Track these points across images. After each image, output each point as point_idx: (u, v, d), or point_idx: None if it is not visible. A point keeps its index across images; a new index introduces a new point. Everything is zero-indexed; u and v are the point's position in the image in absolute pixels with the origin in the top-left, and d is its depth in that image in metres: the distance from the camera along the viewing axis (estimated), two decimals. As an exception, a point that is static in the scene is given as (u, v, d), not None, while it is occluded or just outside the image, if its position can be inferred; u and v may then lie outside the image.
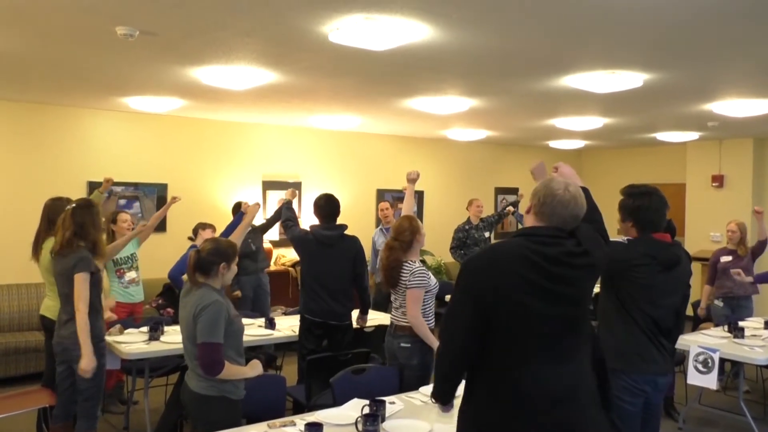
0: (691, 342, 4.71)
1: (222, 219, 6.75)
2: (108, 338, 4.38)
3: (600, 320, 3.19)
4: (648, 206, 3.08)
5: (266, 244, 7.82)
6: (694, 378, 4.60)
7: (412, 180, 4.63)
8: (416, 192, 9.79)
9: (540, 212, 2.19)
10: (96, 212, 3.81)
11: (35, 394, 4.30)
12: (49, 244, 4.23)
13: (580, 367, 2.18)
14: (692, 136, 8.80)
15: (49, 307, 4.23)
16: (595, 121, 7.46)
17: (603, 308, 3.15)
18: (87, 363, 3.55)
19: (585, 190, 2.50)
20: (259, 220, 7.04)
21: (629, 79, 4.86)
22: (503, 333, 2.10)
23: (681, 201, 9.77)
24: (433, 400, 2.36)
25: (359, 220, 8.19)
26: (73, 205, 3.80)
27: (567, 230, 2.20)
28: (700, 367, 4.59)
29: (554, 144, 10.36)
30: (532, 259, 2.09)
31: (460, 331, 2.15)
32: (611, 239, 3.07)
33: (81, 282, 3.60)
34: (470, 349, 2.14)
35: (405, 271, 3.85)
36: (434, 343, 3.79)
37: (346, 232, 4.66)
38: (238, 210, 6.37)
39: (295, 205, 8.82)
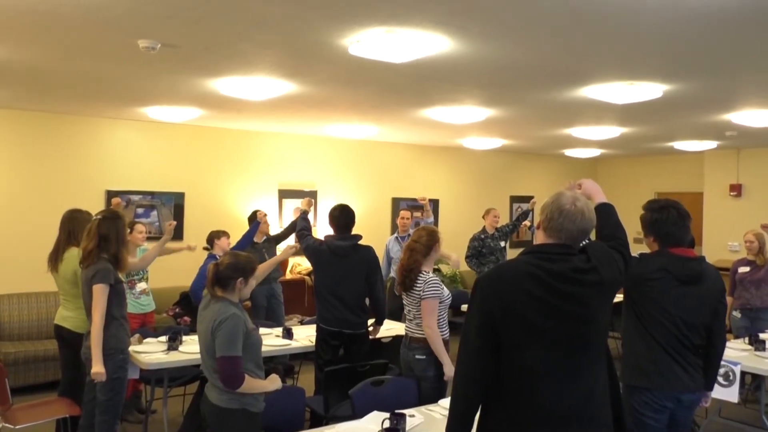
0: (711, 355, 4.65)
1: (238, 227, 6.78)
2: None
3: (622, 337, 3.16)
4: (665, 219, 3.05)
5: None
6: (715, 391, 4.53)
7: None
8: (431, 200, 9.78)
9: (549, 228, 2.19)
10: (121, 225, 3.82)
11: (54, 404, 4.32)
12: (72, 253, 4.27)
13: (593, 385, 2.15)
14: (710, 145, 8.73)
15: (65, 317, 4.26)
16: (612, 131, 7.43)
17: (624, 325, 3.12)
18: (97, 368, 3.60)
19: (609, 206, 2.49)
20: (274, 230, 7.07)
21: (649, 90, 4.84)
22: (514, 351, 2.10)
23: (698, 210, 9.69)
24: None
25: (375, 229, 8.20)
26: (100, 216, 3.82)
27: (576, 247, 2.19)
28: (720, 380, 4.53)
29: (570, 152, 10.32)
30: (539, 276, 2.09)
31: (475, 359, 2.14)
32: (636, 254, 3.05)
33: (98, 293, 3.63)
34: (486, 374, 2.13)
35: (419, 281, 3.85)
36: (445, 358, 3.78)
37: (361, 242, 4.66)
38: (254, 219, 6.39)
39: (310, 215, 8.85)
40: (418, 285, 3.84)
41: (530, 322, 2.08)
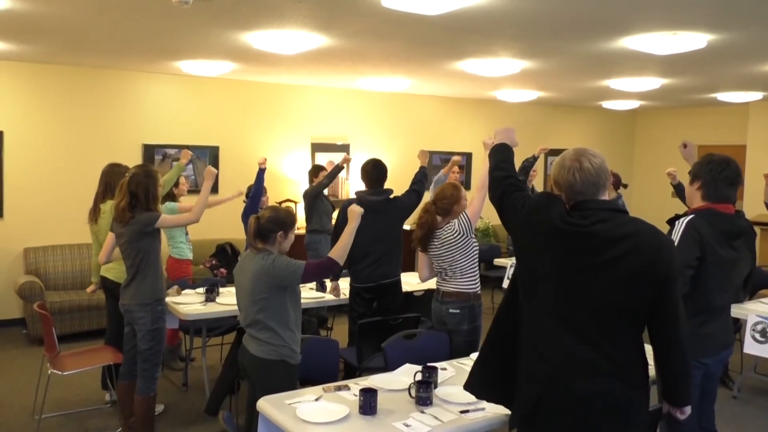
0: (749, 311, 4.60)
1: (271, 180, 6.81)
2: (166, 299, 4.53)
3: None
4: (725, 170, 2.94)
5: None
6: (751, 347, 4.50)
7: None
8: (464, 153, 9.64)
9: (566, 197, 2.26)
10: (152, 183, 3.77)
11: (100, 352, 4.49)
12: (108, 206, 4.38)
13: (592, 344, 2.11)
14: (756, 96, 8.42)
15: (109, 268, 4.37)
16: (652, 82, 7.20)
17: None
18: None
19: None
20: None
21: (692, 40, 4.66)
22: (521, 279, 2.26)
23: (741, 163, 9.39)
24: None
25: (407, 182, 8.14)
26: (131, 173, 3.81)
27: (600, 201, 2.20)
28: (758, 336, 4.49)
29: (608, 105, 10.07)
30: (567, 222, 2.16)
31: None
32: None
33: (166, 220, 3.83)
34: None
35: (448, 229, 3.83)
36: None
37: (392, 196, 4.66)
38: (316, 173, 6.43)
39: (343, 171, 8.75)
40: (446, 232, 3.84)
41: (538, 258, 2.19)
